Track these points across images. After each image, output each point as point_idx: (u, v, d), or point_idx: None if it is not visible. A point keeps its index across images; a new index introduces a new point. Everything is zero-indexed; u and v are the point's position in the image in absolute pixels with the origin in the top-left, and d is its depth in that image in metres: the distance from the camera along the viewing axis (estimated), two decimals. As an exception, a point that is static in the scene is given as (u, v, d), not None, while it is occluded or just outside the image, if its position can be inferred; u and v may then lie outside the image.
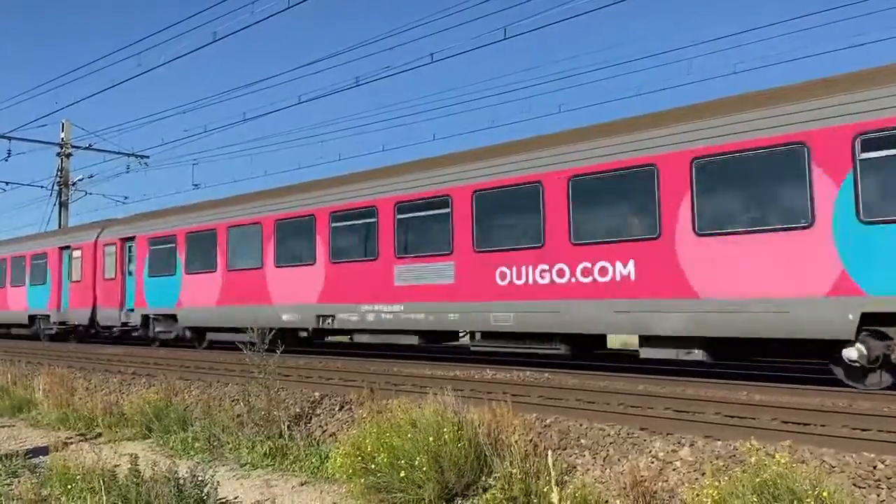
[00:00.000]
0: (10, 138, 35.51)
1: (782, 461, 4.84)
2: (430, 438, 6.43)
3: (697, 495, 5.01)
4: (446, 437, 6.43)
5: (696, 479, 5.65)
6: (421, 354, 19.44)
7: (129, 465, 6.43)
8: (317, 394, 10.34)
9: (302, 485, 7.40)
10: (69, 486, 6.87)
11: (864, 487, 5.31)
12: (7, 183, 40.28)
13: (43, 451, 9.29)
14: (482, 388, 10.65)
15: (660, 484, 5.76)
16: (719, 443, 6.36)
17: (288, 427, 8.76)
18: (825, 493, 4.48)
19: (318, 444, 8.42)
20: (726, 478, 5.08)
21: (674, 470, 6.01)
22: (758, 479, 4.74)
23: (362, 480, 6.58)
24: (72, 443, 9.60)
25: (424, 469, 6.25)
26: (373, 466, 6.52)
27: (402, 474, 6.28)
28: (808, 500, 4.40)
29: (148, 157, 38.18)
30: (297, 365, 15.05)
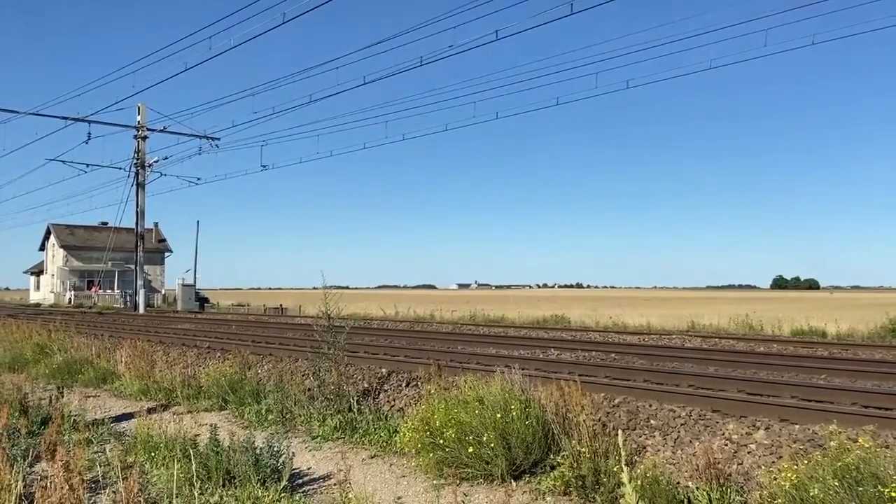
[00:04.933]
0: (90, 121, 37.18)
1: (866, 445, 4.67)
2: (498, 415, 6.48)
3: (775, 479, 4.89)
4: (514, 414, 6.47)
5: (773, 462, 5.52)
6: (483, 333, 19.54)
7: (209, 435, 6.69)
8: (384, 370, 10.51)
9: (371, 458, 7.56)
10: (152, 454, 7.22)
11: (954, 475, 5.07)
12: (88, 164, 42.27)
13: (127, 418, 9.79)
14: (548, 367, 10.63)
15: (734, 466, 5.65)
16: (797, 426, 6.19)
17: (357, 401, 8.96)
18: (912, 480, 4.30)
19: (386, 419, 8.58)
20: (805, 462, 4.93)
21: (748, 453, 5.88)
22: (839, 464, 4.58)
23: (431, 455, 6.68)
24: (154, 413, 10.06)
25: (492, 445, 6.31)
26: (441, 441, 6.60)
27: (471, 450, 6.35)
28: (894, 484, 4.24)
29: (219, 138, 39.40)
30: (363, 342, 15.35)
